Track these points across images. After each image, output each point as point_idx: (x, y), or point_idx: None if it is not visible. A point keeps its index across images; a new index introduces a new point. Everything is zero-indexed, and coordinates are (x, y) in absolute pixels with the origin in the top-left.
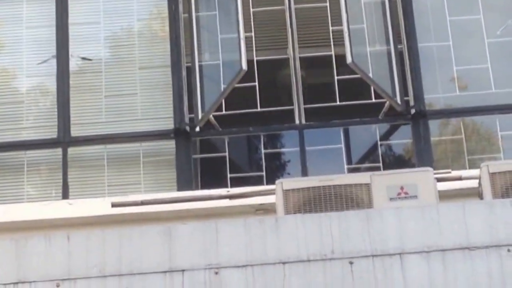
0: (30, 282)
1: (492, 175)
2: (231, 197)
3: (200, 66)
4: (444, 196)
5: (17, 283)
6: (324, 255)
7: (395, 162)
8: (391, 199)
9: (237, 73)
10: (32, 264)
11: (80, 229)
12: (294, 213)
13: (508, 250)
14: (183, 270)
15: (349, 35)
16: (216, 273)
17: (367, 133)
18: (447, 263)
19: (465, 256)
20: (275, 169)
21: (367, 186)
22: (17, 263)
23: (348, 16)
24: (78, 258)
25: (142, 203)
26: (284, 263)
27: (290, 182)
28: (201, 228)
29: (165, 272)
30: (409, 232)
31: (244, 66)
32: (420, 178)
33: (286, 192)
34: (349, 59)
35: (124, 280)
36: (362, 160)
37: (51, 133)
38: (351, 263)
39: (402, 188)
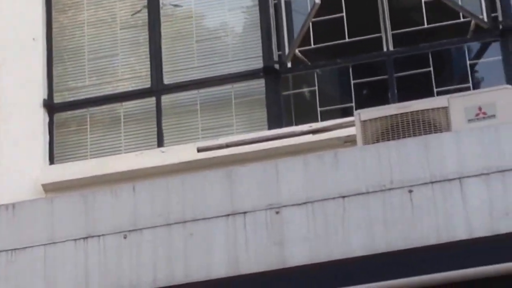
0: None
1: None
2: (313, 132)
3: (288, 2)
4: None
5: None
6: (383, 185)
7: (486, 82)
8: (469, 120)
9: (312, 8)
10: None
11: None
12: (373, 143)
13: None
14: (244, 212)
15: None
16: (277, 212)
17: (457, 55)
18: None
19: None
20: (365, 99)
21: (445, 109)
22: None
23: None
24: (143, 208)
25: (227, 145)
26: (343, 197)
27: (367, 112)
28: (261, 168)
29: (227, 215)
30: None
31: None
32: (498, 96)
33: (364, 123)
34: None
35: (188, 226)
36: (451, 83)
37: (145, 83)
38: (410, 191)
39: (480, 108)
